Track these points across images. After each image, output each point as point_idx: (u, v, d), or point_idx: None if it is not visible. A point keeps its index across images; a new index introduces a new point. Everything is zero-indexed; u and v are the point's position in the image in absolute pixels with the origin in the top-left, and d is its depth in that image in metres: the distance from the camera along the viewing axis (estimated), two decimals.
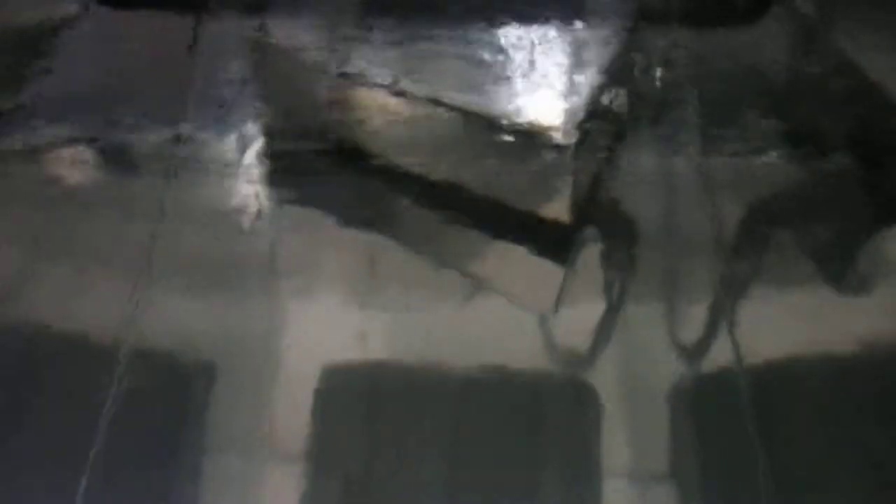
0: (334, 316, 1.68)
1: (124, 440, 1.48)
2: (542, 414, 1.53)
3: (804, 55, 2.15)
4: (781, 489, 1.40)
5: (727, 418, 1.50)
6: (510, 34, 2.18)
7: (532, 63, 2.12)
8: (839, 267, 1.73)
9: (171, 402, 1.55)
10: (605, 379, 1.57)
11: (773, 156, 1.90)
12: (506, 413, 1.53)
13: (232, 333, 1.64)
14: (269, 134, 2.00)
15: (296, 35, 2.19)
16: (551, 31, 2.19)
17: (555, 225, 1.83)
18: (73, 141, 1.98)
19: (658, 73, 2.09)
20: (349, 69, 2.11)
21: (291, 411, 1.53)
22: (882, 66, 2.05)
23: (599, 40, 2.17)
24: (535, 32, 2.18)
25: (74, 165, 1.95)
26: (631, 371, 1.58)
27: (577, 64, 2.13)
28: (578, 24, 2.20)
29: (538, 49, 2.15)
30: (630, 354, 1.60)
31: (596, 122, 2.00)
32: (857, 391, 1.54)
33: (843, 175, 1.88)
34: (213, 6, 2.25)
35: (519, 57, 2.13)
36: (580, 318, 1.65)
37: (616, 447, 1.47)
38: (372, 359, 1.60)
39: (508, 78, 2.08)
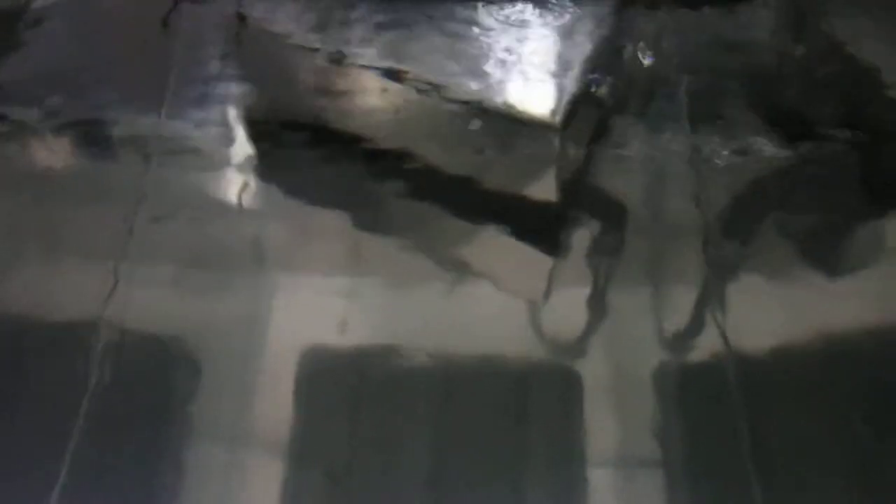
0: (318, 303, 1.67)
1: (105, 429, 1.47)
2: (528, 401, 1.52)
3: (794, 39, 2.14)
4: (768, 475, 1.40)
5: (714, 405, 1.50)
6: (498, 18, 2.16)
7: (520, 47, 2.11)
8: (828, 253, 1.73)
9: (152, 390, 1.53)
10: (592, 366, 1.56)
11: (761, 140, 1.89)
12: (492, 401, 1.52)
13: (214, 321, 1.62)
14: (252, 117, 1.98)
15: (278, 16, 2.17)
16: (540, 16, 2.18)
17: (543, 210, 1.82)
18: (51, 124, 1.95)
19: (647, 57, 2.08)
20: (334, 52, 2.09)
21: (274, 399, 1.52)
22: (871, 50, 2.04)
23: (588, 24, 2.16)
24: (523, 16, 2.17)
25: (52, 149, 1.93)
26: (618, 358, 1.57)
27: (565, 48, 2.12)
28: (567, 8, 2.19)
29: (527, 33, 2.14)
30: (618, 341, 1.60)
31: (584, 106, 1.99)
32: (845, 378, 1.54)
33: (833, 159, 1.87)
34: None
35: (507, 41, 2.12)
36: (567, 305, 1.65)
37: (603, 434, 1.47)
38: (356, 346, 1.59)
39: (496, 62, 2.07)
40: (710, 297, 1.64)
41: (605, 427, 1.47)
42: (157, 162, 1.87)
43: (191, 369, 1.55)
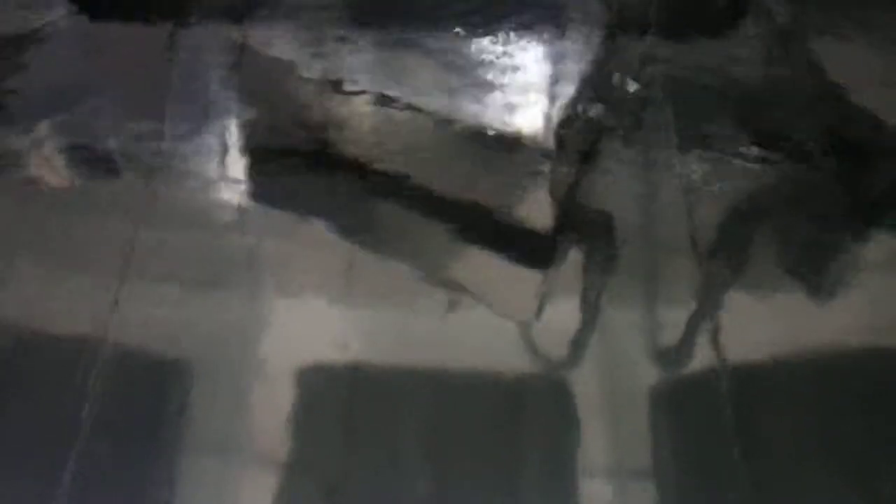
0: (314, 318, 1.68)
1: (102, 441, 1.47)
2: (522, 417, 1.53)
3: (779, 62, 2.17)
4: (760, 489, 1.41)
5: (707, 418, 1.51)
6: (490, 42, 2.20)
7: (511, 70, 2.13)
8: (816, 268, 1.75)
9: (150, 403, 1.54)
10: (585, 381, 1.57)
11: (748, 160, 1.92)
12: (486, 416, 1.53)
13: (211, 335, 1.63)
14: (249, 138, 2.00)
15: (276, 41, 2.19)
16: (530, 40, 2.21)
17: (534, 230, 1.84)
18: (52, 143, 1.97)
19: (635, 79, 2.11)
20: (330, 75, 2.12)
21: (270, 413, 1.52)
22: (854, 70, 2.08)
23: (577, 48, 2.19)
24: (514, 40, 2.20)
25: (53, 167, 1.95)
26: (611, 373, 1.58)
27: (555, 71, 2.15)
28: (557, 33, 2.22)
29: (517, 57, 2.17)
30: (610, 357, 1.61)
31: (574, 128, 2.01)
32: (836, 392, 1.55)
33: (818, 178, 1.90)
34: (193, 12, 2.25)
35: (498, 64, 2.14)
36: (560, 322, 1.66)
37: (596, 449, 1.48)
38: (351, 361, 1.60)
39: (488, 85, 2.10)
40: (703, 313, 1.66)
41: (599, 442, 1.48)
42: (157, 181, 1.89)
43: (188, 382, 1.56)
